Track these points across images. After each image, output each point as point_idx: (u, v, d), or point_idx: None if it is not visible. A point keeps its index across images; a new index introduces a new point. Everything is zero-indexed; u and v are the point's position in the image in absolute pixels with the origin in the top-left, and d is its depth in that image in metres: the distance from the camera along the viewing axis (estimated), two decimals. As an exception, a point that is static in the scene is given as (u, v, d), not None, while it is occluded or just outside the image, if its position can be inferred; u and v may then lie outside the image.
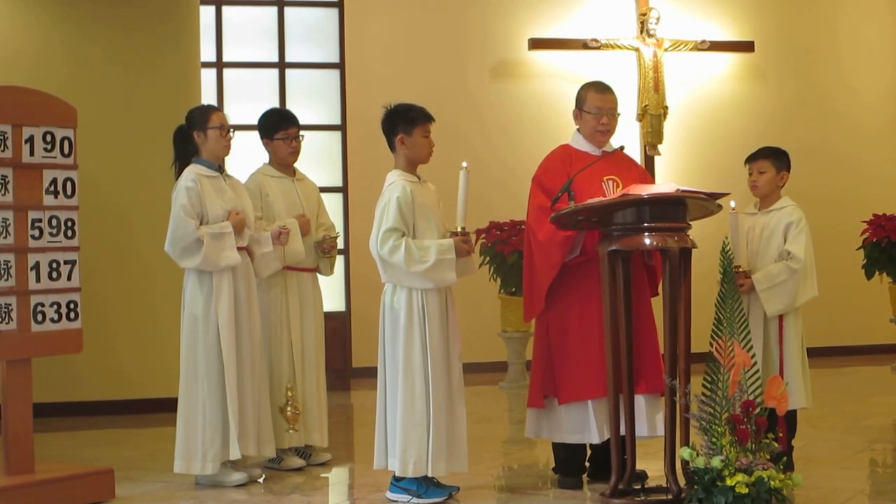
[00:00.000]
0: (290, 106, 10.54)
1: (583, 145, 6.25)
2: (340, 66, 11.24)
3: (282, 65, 11.15)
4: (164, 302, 8.60)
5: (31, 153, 5.91)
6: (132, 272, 8.98)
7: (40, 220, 5.93)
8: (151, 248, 8.01)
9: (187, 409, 6.26)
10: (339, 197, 11.08)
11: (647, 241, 5.66)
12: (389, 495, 5.88)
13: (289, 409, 6.68)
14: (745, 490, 5.30)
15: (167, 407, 7.12)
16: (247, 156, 8.15)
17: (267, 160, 7.00)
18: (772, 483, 5.34)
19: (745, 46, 12.03)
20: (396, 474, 5.80)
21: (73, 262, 6.06)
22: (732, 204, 6.08)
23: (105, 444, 7.79)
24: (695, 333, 5.72)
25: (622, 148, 6.27)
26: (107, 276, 8.75)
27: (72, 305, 6.05)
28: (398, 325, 5.76)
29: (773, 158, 6.42)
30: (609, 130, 6.23)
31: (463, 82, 11.53)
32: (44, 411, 6.83)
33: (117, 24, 9.05)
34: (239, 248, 6.31)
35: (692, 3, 12.06)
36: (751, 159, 6.46)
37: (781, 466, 5.46)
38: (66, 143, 6.06)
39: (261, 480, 6.44)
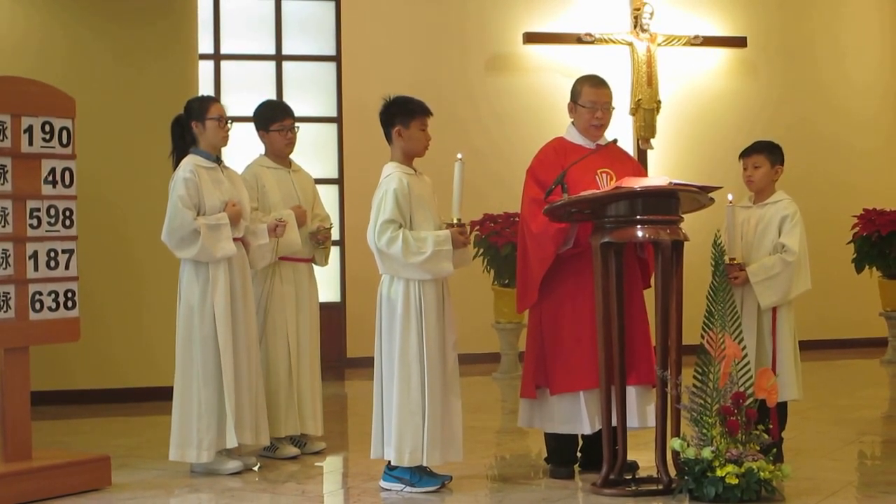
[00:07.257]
0: (287, 98, 10.59)
1: (577, 138, 6.28)
2: (337, 58, 11.30)
3: (279, 57, 11.20)
4: (159, 292, 8.64)
5: (30, 143, 5.93)
6: (127, 262, 9.00)
7: (39, 210, 5.95)
8: (146, 239, 8.04)
9: (183, 398, 6.29)
10: (334, 188, 11.14)
11: (640, 233, 5.70)
12: (383, 484, 5.91)
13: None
14: (734, 481, 5.35)
15: (161, 396, 7.16)
16: (243, 147, 8.19)
17: (263, 151, 7.04)
18: (761, 474, 5.38)
19: (738, 42, 12.08)
20: (392, 463, 5.85)
21: (70, 252, 6.08)
22: (730, 197, 6.11)
23: (99, 432, 7.82)
24: (686, 325, 5.77)
25: (616, 141, 6.29)
26: (102, 266, 8.76)
27: (69, 294, 6.08)
28: (395, 315, 5.78)
29: (767, 153, 6.45)
30: (603, 124, 6.25)
31: (458, 76, 11.56)
32: (38, 399, 6.85)
33: (117, 15, 9.07)
34: (235, 239, 6.35)
35: (685, -2, 12.13)
36: (745, 154, 6.47)
37: (771, 458, 5.50)
38: (64, 133, 6.08)
39: (256, 469, 6.48)
